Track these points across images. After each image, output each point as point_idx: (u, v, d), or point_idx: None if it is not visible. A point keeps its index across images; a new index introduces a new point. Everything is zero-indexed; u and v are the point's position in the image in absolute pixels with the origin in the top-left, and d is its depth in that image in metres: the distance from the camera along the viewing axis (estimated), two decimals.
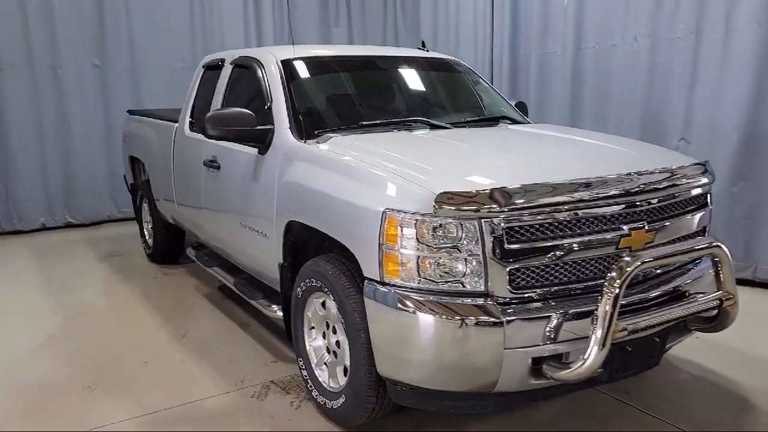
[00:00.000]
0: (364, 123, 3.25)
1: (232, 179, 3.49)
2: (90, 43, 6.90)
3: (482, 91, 4.00)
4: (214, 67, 4.19)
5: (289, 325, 3.03)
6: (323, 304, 2.78)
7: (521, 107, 4.07)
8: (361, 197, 2.43)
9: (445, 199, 2.18)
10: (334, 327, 2.73)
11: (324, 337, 2.84)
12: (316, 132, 3.08)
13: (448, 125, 3.33)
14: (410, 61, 3.85)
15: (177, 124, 4.50)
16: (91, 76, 6.95)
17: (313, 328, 2.90)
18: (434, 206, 2.18)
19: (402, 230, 2.23)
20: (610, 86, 5.36)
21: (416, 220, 2.21)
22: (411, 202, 2.25)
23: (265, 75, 3.41)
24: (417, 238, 2.21)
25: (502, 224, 2.19)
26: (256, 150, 3.24)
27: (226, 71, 3.89)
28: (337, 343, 2.71)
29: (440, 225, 2.19)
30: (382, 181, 2.41)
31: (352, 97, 3.67)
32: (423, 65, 3.91)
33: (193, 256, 4.42)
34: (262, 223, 3.17)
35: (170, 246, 5.30)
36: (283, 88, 3.26)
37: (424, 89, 3.84)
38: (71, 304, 4.49)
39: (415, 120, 3.39)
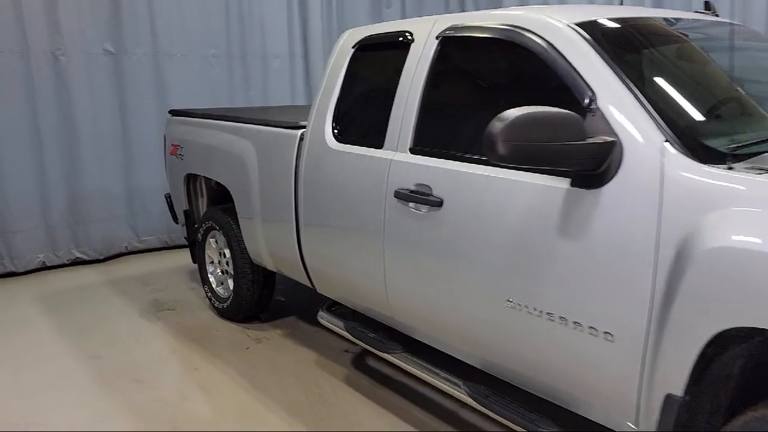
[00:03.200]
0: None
1: (490, 226, 2.06)
2: (102, 24, 5.26)
3: None
4: (383, 46, 2.74)
5: None
6: None
7: None
8: None
9: None
10: None
11: None
12: (718, 150, 1.70)
13: None
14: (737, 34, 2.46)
15: (303, 132, 3.03)
16: (103, 65, 5.31)
17: None
18: None
19: None
20: None
21: None
22: None
23: (554, 52, 2.00)
24: None
25: None
26: (562, 182, 1.85)
27: (427, 50, 2.44)
28: None
29: None
30: None
31: (707, 85, 2.26)
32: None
33: (342, 328, 2.95)
34: (601, 314, 1.78)
35: (259, 298, 3.80)
36: (615, 72, 1.87)
37: None
38: (153, 410, 2.95)
39: None
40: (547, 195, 1.89)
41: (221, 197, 4.21)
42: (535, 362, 2.02)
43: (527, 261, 1.94)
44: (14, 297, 4.59)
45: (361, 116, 2.76)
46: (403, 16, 7.11)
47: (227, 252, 3.87)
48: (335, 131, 2.84)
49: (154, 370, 3.34)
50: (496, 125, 1.69)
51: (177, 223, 4.59)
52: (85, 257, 5.44)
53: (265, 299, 3.84)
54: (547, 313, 1.90)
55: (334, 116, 2.86)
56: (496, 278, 2.05)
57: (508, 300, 2.01)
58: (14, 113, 4.93)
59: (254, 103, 6.19)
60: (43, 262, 5.27)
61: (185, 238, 4.54)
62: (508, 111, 1.72)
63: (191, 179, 4.19)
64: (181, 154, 4.10)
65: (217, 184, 4.15)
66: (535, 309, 1.93)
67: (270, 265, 3.48)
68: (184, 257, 5.54)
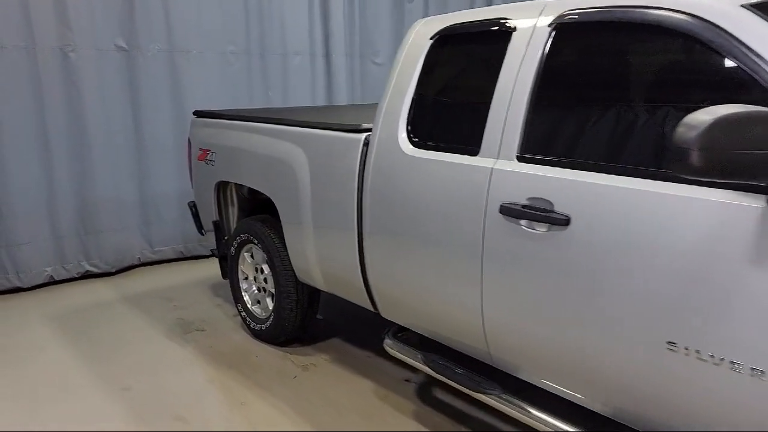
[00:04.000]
0: None
1: (645, 252, 1.70)
2: (114, 18, 4.86)
3: None
4: (471, 38, 2.37)
5: None
6: None
7: None
8: None
9: None
10: None
11: None
12: None
13: None
14: None
15: (367, 136, 2.67)
16: (115, 62, 4.91)
17: None
18: None
19: None
20: None
21: None
22: None
23: (728, 37, 1.65)
24: None
25: None
26: (755, 199, 1.51)
27: (537, 41, 2.08)
28: None
29: None
30: None
31: None
32: None
33: (419, 361, 2.58)
34: None
35: (302, 319, 3.43)
36: None
37: None
38: None
39: None
40: (736, 215, 1.54)
41: (254, 207, 3.84)
42: (697, 415, 1.67)
43: (704, 295, 1.59)
44: (23, 316, 4.18)
45: (445, 118, 2.40)
46: (426, 12, 6.76)
47: (266, 268, 3.50)
48: (411, 135, 2.48)
49: (195, 405, 2.95)
50: (689, 132, 1.34)
51: (202, 234, 4.21)
52: (96, 270, 5.03)
53: (308, 320, 3.47)
54: (731, 362, 1.55)
55: (408, 119, 2.49)
56: (654, 315, 1.69)
57: (671, 342, 1.65)
58: (20, 114, 4.52)
59: (274, 103, 5.81)
60: (51, 276, 4.86)
61: (212, 251, 4.15)
62: (697, 113, 1.37)
63: (221, 187, 3.81)
64: (212, 159, 3.72)
65: (250, 192, 3.79)
66: (711, 355, 1.58)
67: (320, 284, 3.10)
68: (203, 269, 5.17)
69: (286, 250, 3.27)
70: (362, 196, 2.64)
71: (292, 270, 3.27)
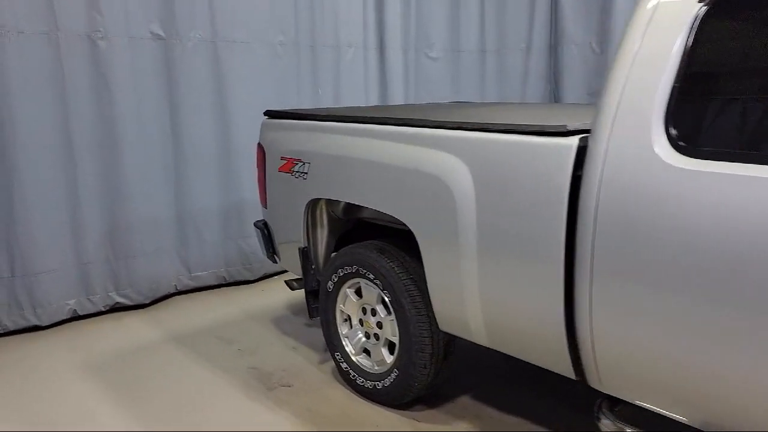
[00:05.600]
0: None
1: None
2: (149, 3, 4.05)
3: None
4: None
5: None
6: None
7: None
8: None
9: None
10: None
11: None
12: None
13: None
14: None
15: (583, 140, 1.92)
16: (149, 53, 4.10)
17: None
18: None
19: None
20: None
21: None
22: None
23: None
24: None
25: None
26: None
27: None
28: None
29: None
30: None
31: None
32: None
33: None
34: None
35: (434, 377, 2.66)
36: None
37: None
38: None
39: None
40: None
41: (351, 231, 3.08)
42: None
43: None
44: (48, 366, 3.34)
45: (742, 116, 1.67)
46: (483, 4, 6.04)
47: (380, 310, 2.73)
48: (675, 139, 1.74)
49: None
50: None
51: (275, 261, 3.42)
52: (127, 302, 4.20)
53: (441, 378, 2.71)
54: None
55: (667, 115, 1.76)
56: None
57: None
58: (38, 115, 3.69)
59: (324, 104, 5.03)
60: (75, 310, 4.02)
61: (289, 283, 3.37)
62: None
63: (318, 209, 3.04)
64: (303, 171, 2.93)
65: (346, 212, 3.02)
66: None
67: (478, 337, 2.35)
68: (251, 298, 4.38)
69: (420, 290, 2.52)
70: (578, 224, 1.90)
71: (430, 315, 2.51)
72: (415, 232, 2.41)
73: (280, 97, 4.73)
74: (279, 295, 4.43)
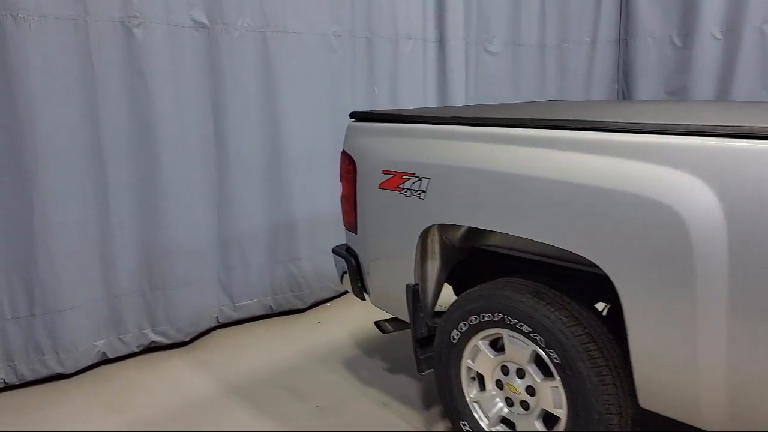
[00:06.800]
0: None
1: None
2: None
3: None
4: None
5: None
6: None
7: None
8: None
9: None
10: None
11: None
12: None
13: None
14: None
15: None
16: (191, 43, 3.44)
17: None
18: None
19: None
20: None
21: None
22: None
23: None
24: None
25: None
26: None
27: None
28: None
29: None
30: None
31: None
32: None
33: None
34: None
35: None
36: None
37: None
38: None
39: None
40: None
41: (464, 261, 2.45)
42: None
43: None
44: (78, 426, 2.66)
45: None
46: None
47: (534, 371, 2.09)
48: None
49: None
50: None
51: (363, 298, 2.77)
52: (164, 340, 3.53)
53: None
54: None
55: None
56: None
57: None
58: (63, 116, 3.02)
59: (381, 103, 4.39)
60: (103, 352, 3.35)
61: (386, 323, 2.72)
62: None
63: (444, 239, 2.40)
64: (419, 189, 2.28)
65: (466, 238, 2.38)
66: None
67: (714, 422, 1.70)
68: (306, 332, 3.74)
69: (601, 351, 1.88)
70: None
71: (623, 387, 1.87)
72: (613, 278, 1.76)
73: (333, 96, 4.08)
74: (339, 328, 3.78)
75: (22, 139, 2.89)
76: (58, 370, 3.16)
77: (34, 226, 2.97)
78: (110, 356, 3.37)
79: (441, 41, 4.70)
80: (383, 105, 4.40)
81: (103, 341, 3.33)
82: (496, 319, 2.13)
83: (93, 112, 3.11)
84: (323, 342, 3.58)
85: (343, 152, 2.70)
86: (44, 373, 3.13)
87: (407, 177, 2.34)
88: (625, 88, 5.42)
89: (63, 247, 3.08)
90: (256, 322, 3.95)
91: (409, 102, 4.53)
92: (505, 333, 2.15)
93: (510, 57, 5.27)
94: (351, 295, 4.34)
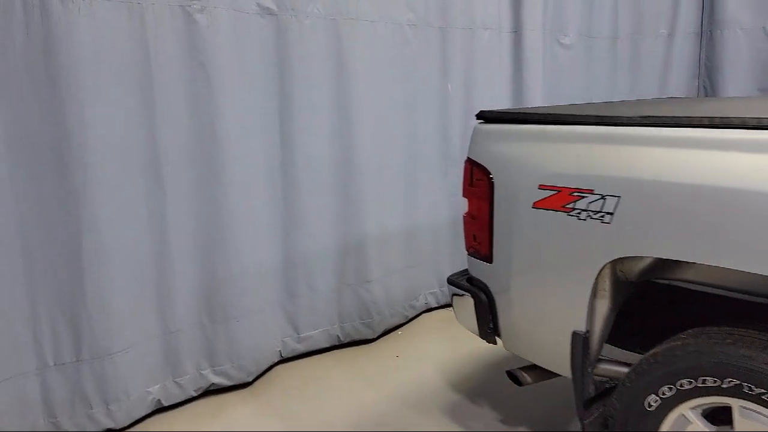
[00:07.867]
0: None
1: None
2: None
3: None
4: None
5: None
6: None
7: None
8: None
9: None
10: None
11: None
12: None
13: None
14: None
15: None
16: (257, 32, 2.91)
17: None
18: None
19: None
20: None
21: None
22: None
23: None
24: None
25: None
26: None
27: None
28: None
29: None
30: None
31: None
32: None
33: None
34: None
35: None
36: None
37: None
38: None
39: None
40: None
41: (633, 300, 1.93)
42: None
43: None
44: None
45: None
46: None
47: None
48: None
49: None
50: None
51: (491, 341, 2.24)
52: (226, 381, 3.00)
53: None
54: None
55: None
56: None
57: None
58: (117, 120, 2.48)
59: (454, 101, 3.86)
60: (158, 399, 2.80)
61: (525, 373, 2.20)
62: None
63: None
64: (601, 210, 1.76)
65: (648, 271, 1.86)
66: None
67: None
68: (379, 365, 3.22)
69: None
70: None
71: None
72: None
73: (407, 93, 3.57)
74: (422, 363, 3.26)
75: (68, 144, 2.36)
76: (109, 425, 2.62)
77: (82, 257, 2.43)
78: (165, 404, 2.84)
79: (516, 32, 4.18)
80: (456, 102, 3.88)
81: (157, 386, 2.80)
82: (725, 386, 1.61)
83: (149, 113, 2.57)
84: (409, 381, 3.06)
85: (470, 161, 2.17)
86: (91, 429, 2.60)
87: (581, 194, 1.81)
88: (708, 83, 4.91)
89: (115, 277, 2.54)
90: (323, 354, 3.43)
91: (483, 99, 4.01)
92: (735, 403, 1.62)
93: (582, 50, 4.75)
94: (423, 323, 3.83)
